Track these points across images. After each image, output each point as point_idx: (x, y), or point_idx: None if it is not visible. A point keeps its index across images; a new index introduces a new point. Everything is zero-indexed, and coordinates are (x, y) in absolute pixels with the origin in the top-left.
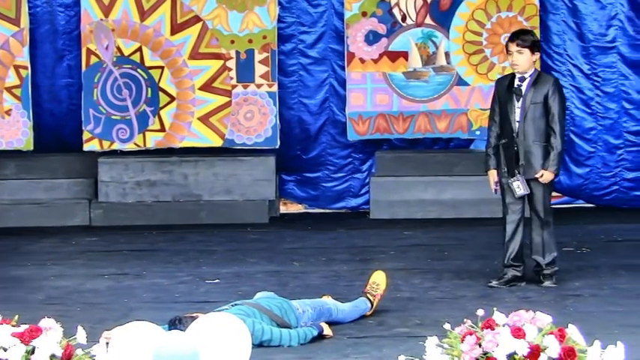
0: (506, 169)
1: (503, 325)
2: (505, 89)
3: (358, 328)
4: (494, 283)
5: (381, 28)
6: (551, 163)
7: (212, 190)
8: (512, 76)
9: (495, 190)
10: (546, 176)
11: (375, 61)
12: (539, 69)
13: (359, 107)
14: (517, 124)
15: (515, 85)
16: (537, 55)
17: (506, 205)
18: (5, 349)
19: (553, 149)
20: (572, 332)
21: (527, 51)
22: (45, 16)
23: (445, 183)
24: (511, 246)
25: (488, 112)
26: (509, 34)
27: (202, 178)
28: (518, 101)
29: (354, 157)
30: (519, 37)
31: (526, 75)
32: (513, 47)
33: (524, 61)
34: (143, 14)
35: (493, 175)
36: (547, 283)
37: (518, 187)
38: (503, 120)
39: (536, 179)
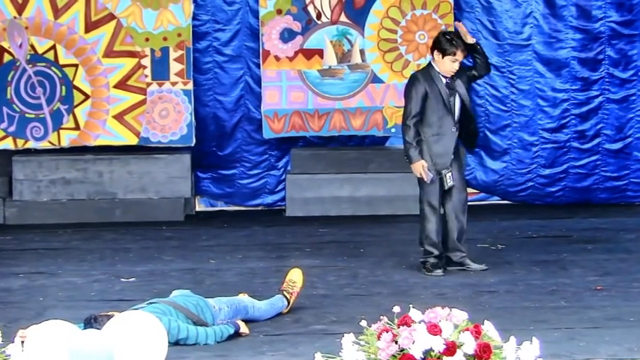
0: (437, 162)
1: (420, 322)
2: (433, 85)
3: (274, 325)
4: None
5: (296, 26)
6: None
7: (127, 188)
8: (429, 71)
9: (432, 178)
10: None
11: (290, 58)
12: None
13: (274, 105)
14: (456, 118)
15: (447, 81)
16: None
17: (434, 196)
18: None
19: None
20: (488, 328)
21: None
22: None
23: (360, 180)
24: (438, 234)
25: (402, 109)
26: (424, 32)
27: (117, 176)
28: (452, 97)
29: (269, 154)
30: (462, 45)
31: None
32: (461, 56)
33: None
34: (57, 12)
35: (425, 164)
36: (477, 266)
37: (450, 178)
38: (439, 114)
39: (461, 174)
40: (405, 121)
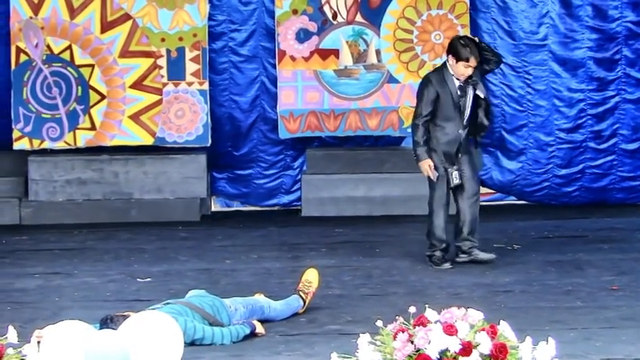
0: (444, 160)
1: (435, 322)
2: (445, 86)
3: (290, 325)
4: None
5: (312, 26)
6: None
7: (142, 188)
8: (442, 72)
9: (438, 176)
10: None
11: (306, 58)
12: None
13: (290, 105)
14: (465, 119)
15: (460, 83)
16: None
17: (442, 193)
18: None
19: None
20: (504, 329)
21: None
22: None
23: (375, 180)
24: (445, 230)
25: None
26: (440, 32)
27: (133, 176)
28: (463, 98)
29: (285, 154)
30: (477, 52)
31: None
32: (474, 63)
33: None
34: (73, 12)
35: (431, 163)
36: (486, 255)
37: (456, 177)
38: (448, 116)
39: (472, 167)
40: (415, 121)
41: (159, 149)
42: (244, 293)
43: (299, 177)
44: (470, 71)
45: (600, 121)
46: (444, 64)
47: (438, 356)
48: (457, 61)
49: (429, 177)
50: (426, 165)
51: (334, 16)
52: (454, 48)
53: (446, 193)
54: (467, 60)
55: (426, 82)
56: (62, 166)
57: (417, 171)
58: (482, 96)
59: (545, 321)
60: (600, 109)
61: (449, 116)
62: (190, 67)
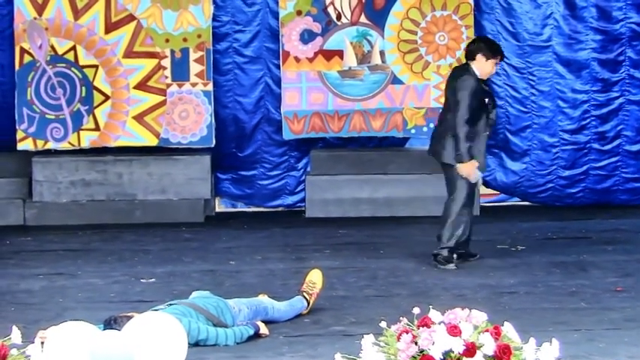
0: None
1: (439, 323)
2: (481, 88)
3: (294, 326)
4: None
5: (316, 27)
6: None
7: (146, 189)
8: (470, 73)
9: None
10: None
11: (310, 59)
12: None
13: (294, 106)
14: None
15: (483, 85)
16: None
17: (471, 196)
18: None
19: None
20: (508, 330)
21: None
22: None
23: (379, 181)
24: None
25: (422, 110)
26: (444, 33)
27: (137, 178)
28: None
29: (289, 155)
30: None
31: None
32: (500, 59)
33: None
34: (77, 13)
35: (476, 164)
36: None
37: (480, 178)
38: (478, 116)
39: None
40: (462, 121)
41: (163, 150)
42: (248, 294)
43: (303, 178)
44: (495, 70)
45: (604, 122)
46: (467, 66)
47: (442, 357)
48: (487, 59)
49: (453, 178)
50: (472, 166)
51: (338, 17)
52: (482, 47)
53: (470, 194)
54: (499, 58)
55: (467, 83)
56: (66, 167)
57: (421, 172)
58: (486, 100)
59: (549, 322)
60: (604, 110)
61: (479, 116)
62: (194, 68)
